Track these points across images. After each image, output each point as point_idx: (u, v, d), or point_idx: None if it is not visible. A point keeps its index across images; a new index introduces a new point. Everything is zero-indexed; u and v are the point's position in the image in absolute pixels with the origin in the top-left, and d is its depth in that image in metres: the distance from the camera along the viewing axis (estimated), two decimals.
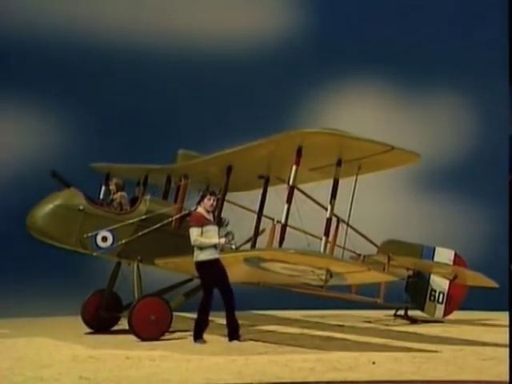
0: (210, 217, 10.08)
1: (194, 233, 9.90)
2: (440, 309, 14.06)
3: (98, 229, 10.81)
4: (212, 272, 9.92)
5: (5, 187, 14.46)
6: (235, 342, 9.89)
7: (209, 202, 10.07)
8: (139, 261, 10.97)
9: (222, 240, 9.94)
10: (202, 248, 9.89)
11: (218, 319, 10.68)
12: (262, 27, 16.64)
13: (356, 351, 9.36)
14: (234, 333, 10.00)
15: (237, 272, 10.27)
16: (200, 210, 10.14)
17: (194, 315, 10.11)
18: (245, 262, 9.94)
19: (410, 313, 14.09)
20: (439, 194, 16.81)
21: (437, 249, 13.91)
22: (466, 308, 14.47)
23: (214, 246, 9.93)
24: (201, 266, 9.93)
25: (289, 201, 9.93)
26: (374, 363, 8.27)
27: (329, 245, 10.37)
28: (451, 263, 13.81)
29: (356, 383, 7.23)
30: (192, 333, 10.06)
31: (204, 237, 9.88)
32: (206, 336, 10.04)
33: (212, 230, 9.99)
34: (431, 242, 14.01)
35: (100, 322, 11.64)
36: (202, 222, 9.95)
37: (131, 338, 10.33)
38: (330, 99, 16.69)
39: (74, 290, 12.67)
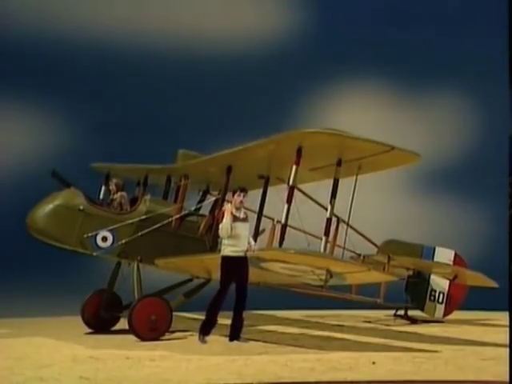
0: (239, 214, 9.90)
1: (224, 225, 9.69)
2: (440, 309, 14.06)
3: (98, 229, 10.80)
4: (235, 269, 9.77)
5: (5, 187, 14.45)
6: (235, 342, 9.88)
7: (238, 198, 9.90)
8: (139, 261, 10.96)
9: (252, 241, 9.90)
10: (227, 244, 9.74)
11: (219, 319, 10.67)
12: (262, 28, 16.64)
13: (356, 351, 9.37)
14: (235, 333, 9.97)
15: None
16: (229, 206, 9.97)
17: (194, 315, 10.10)
18: None
19: (410, 313, 14.09)
20: (439, 194, 16.80)
21: (437, 249, 13.91)
22: (466, 308, 14.46)
23: (242, 244, 9.78)
24: (225, 261, 9.77)
25: (289, 201, 9.93)
26: (374, 363, 8.28)
27: (329, 245, 10.37)
28: (451, 263, 13.81)
29: (356, 383, 7.23)
30: (192, 332, 10.05)
31: (232, 233, 9.73)
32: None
33: (241, 226, 9.82)
34: (431, 242, 14.00)
35: (100, 322, 11.64)
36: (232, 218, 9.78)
37: (131, 337, 10.32)
38: (329, 99, 16.68)
39: (74, 289, 12.65)
